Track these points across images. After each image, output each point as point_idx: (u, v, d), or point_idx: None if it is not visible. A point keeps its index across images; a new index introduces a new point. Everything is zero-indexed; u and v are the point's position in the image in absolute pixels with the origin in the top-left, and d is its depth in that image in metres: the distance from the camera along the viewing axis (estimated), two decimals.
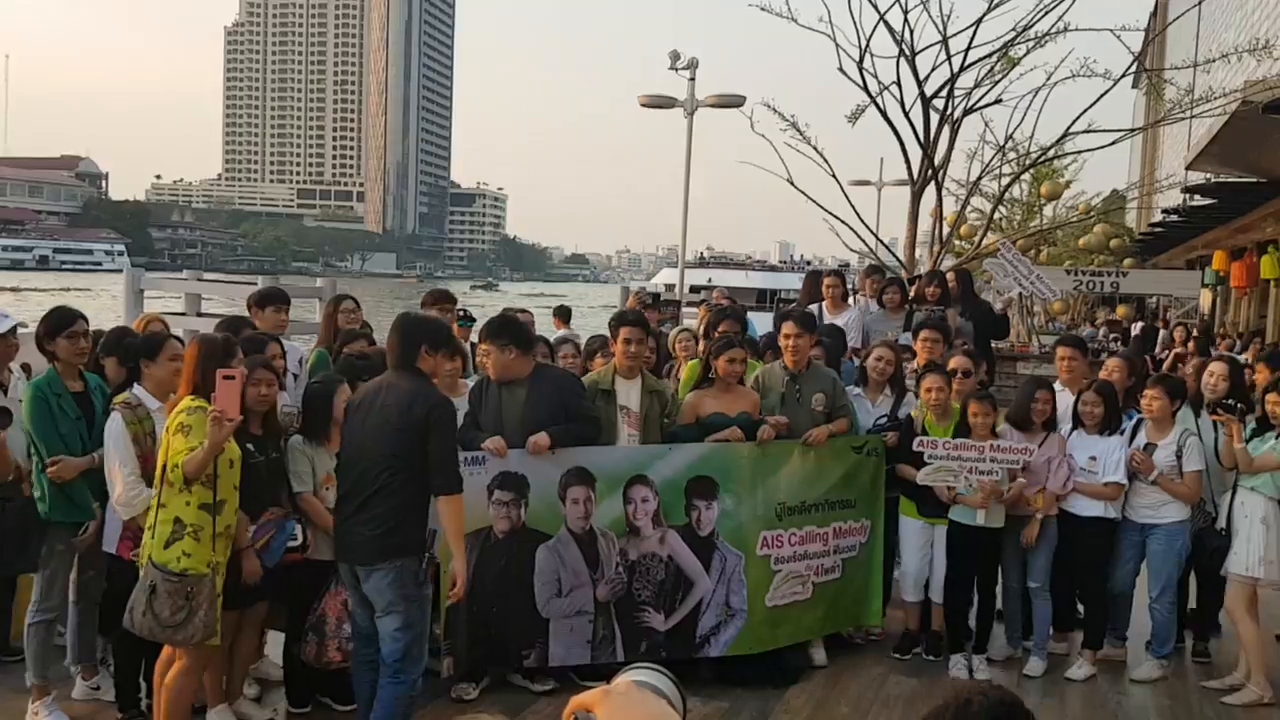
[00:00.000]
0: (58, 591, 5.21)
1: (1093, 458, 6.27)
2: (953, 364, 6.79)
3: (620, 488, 5.74)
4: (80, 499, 5.05)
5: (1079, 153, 14.72)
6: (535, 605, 5.60)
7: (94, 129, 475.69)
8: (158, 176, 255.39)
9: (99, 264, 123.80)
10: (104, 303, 40.42)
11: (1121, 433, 6.44)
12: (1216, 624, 6.84)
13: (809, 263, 49.89)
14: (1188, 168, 20.11)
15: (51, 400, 5.02)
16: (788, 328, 6.35)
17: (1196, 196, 22.29)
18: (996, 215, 23.40)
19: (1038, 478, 6.25)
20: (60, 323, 5.13)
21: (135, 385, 4.91)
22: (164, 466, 4.47)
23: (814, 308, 9.45)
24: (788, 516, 6.09)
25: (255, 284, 11.28)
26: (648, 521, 5.78)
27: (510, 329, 5.63)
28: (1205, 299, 30.95)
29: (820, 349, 6.95)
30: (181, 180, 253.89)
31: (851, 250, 13.56)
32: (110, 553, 4.99)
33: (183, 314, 12.33)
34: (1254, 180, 18.56)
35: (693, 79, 16.33)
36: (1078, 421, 6.41)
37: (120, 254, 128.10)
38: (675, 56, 16.42)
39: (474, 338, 8.39)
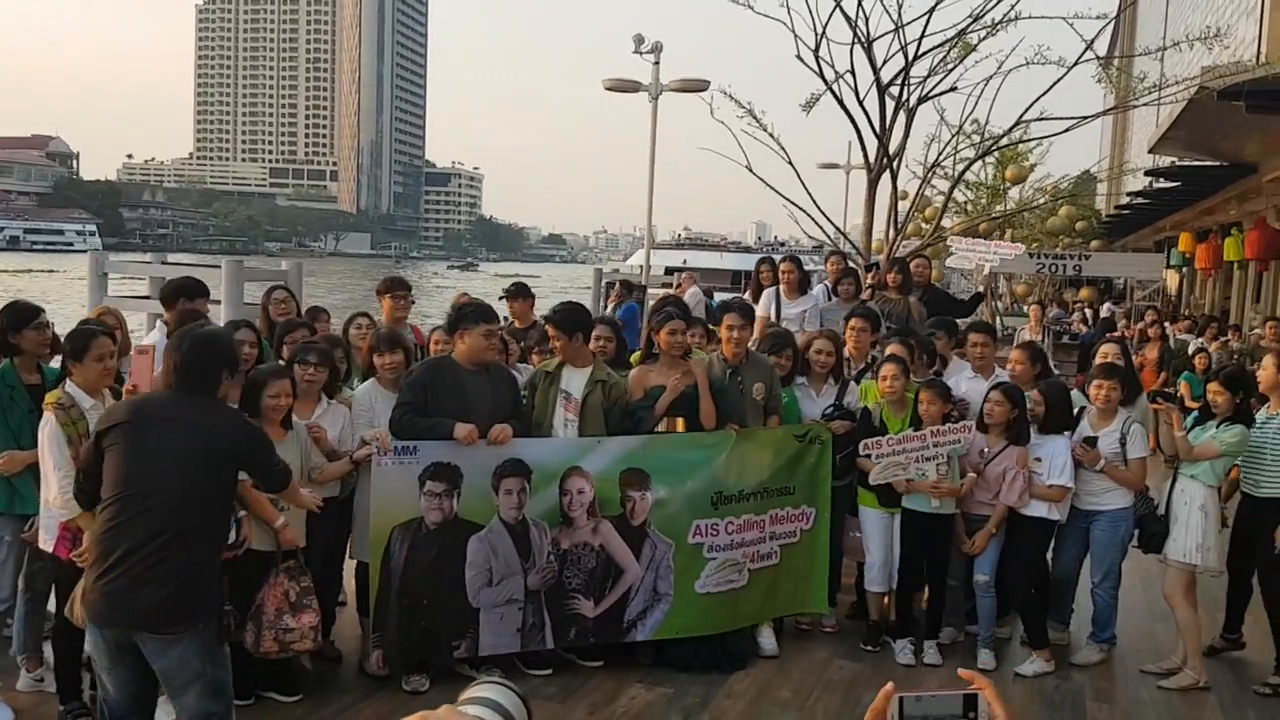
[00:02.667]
0: (7, 584, 5.23)
1: (1038, 459, 6.28)
2: (890, 349, 6.78)
3: (556, 480, 5.78)
4: (26, 492, 5.06)
5: (1040, 138, 14.82)
6: (466, 595, 5.61)
7: (65, 108, 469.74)
8: (129, 156, 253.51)
9: (70, 244, 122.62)
10: (53, 285, 40.09)
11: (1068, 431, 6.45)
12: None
13: (783, 244, 49.91)
14: (1150, 151, 20.31)
15: (4, 393, 5.09)
16: (730, 319, 6.38)
17: (1161, 179, 22.49)
18: (960, 198, 23.52)
19: (992, 486, 6.29)
20: (25, 316, 5.22)
21: (67, 383, 4.84)
22: None
23: (770, 293, 9.45)
24: (724, 505, 6.14)
25: (218, 266, 11.23)
26: (582, 513, 5.82)
27: (496, 317, 5.87)
28: (1171, 280, 31.25)
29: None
30: (153, 160, 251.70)
31: (810, 237, 13.60)
32: (49, 551, 4.97)
33: (147, 297, 12.28)
34: (1216, 164, 18.76)
35: (657, 63, 16.31)
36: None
37: (92, 234, 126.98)
38: (640, 40, 16.38)
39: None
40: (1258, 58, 17.98)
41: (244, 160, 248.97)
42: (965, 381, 7.06)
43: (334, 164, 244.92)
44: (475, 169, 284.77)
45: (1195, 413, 6.62)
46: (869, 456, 6.24)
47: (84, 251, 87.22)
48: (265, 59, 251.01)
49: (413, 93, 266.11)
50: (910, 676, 6.14)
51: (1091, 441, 6.27)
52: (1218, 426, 6.22)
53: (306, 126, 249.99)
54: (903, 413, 6.47)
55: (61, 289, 40.73)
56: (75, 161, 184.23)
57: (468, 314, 5.75)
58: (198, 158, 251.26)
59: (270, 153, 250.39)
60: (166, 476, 3.77)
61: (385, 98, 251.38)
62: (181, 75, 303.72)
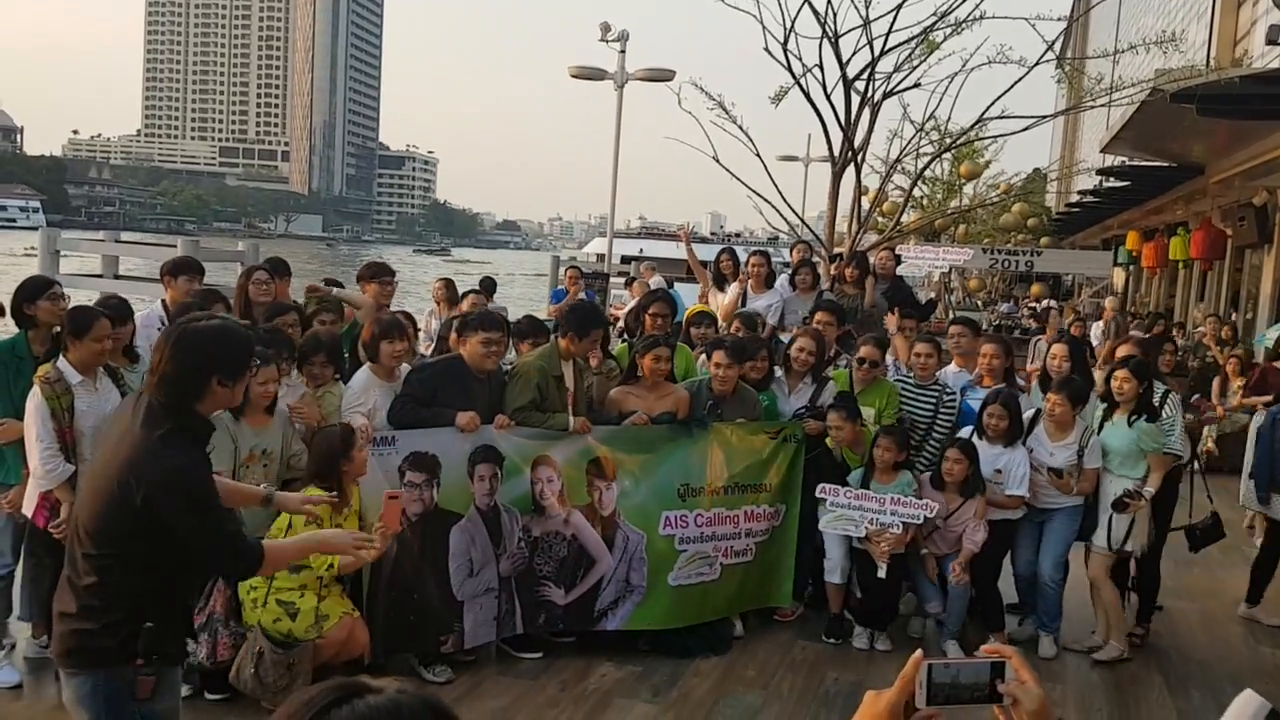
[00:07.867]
0: (7, 549, 5.27)
1: (998, 470, 6.38)
2: (862, 353, 6.83)
3: (527, 466, 5.82)
4: (13, 461, 5.09)
5: (997, 136, 15.14)
6: (451, 589, 5.61)
7: (8, 81, 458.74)
8: (75, 131, 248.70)
9: (13, 221, 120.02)
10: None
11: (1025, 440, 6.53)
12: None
13: (737, 234, 50.23)
14: (1102, 151, 20.69)
15: (12, 363, 5.14)
16: (719, 357, 6.38)
17: (1111, 178, 22.93)
18: (917, 194, 23.87)
19: (951, 537, 6.34)
20: (40, 286, 5.33)
21: (60, 358, 4.92)
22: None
23: (735, 287, 9.46)
24: (691, 498, 6.22)
25: (174, 246, 11.16)
26: (554, 500, 5.88)
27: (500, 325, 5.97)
28: (1118, 277, 31.86)
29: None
30: (100, 136, 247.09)
31: (773, 227, 13.79)
32: (27, 516, 5.02)
33: (99, 275, 12.16)
34: (1165, 165, 19.17)
35: (623, 51, 16.36)
36: (981, 427, 6.50)
37: (35, 211, 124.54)
38: (606, 28, 16.40)
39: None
40: (1207, 61, 18.43)
41: (193, 138, 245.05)
42: (950, 375, 7.17)
43: (286, 144, 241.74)
44: (430, 153, 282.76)
45: (1104, 407, 6.76)
46: (824, 501, 6.28)
47: (27, 229, 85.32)
48: (217, 35, 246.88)
49: (367, 74, 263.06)
50: (865, 660, 6.31)
51: (1058, 473, 6.40)
52: (1128, 421, 6.45)
53: (258, 105, 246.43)
54: (861, 449, 6.48)
55: (4, 265, 39.81)
56: (19, 136, 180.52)
57: (469, 322, 5.84)
58: (146, 135, 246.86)
59: (220, 131, 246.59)
60: (84, 496, 3.18)
61: (339, 78, 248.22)
62: (131, 50, 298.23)
